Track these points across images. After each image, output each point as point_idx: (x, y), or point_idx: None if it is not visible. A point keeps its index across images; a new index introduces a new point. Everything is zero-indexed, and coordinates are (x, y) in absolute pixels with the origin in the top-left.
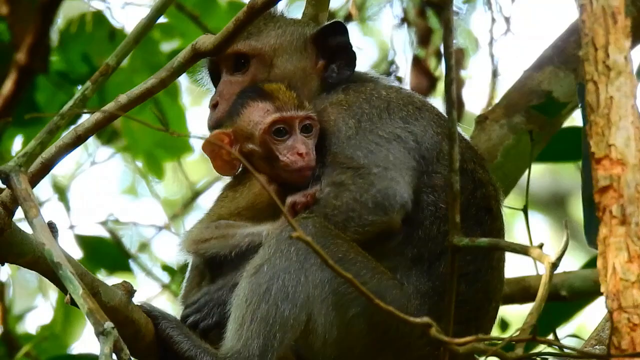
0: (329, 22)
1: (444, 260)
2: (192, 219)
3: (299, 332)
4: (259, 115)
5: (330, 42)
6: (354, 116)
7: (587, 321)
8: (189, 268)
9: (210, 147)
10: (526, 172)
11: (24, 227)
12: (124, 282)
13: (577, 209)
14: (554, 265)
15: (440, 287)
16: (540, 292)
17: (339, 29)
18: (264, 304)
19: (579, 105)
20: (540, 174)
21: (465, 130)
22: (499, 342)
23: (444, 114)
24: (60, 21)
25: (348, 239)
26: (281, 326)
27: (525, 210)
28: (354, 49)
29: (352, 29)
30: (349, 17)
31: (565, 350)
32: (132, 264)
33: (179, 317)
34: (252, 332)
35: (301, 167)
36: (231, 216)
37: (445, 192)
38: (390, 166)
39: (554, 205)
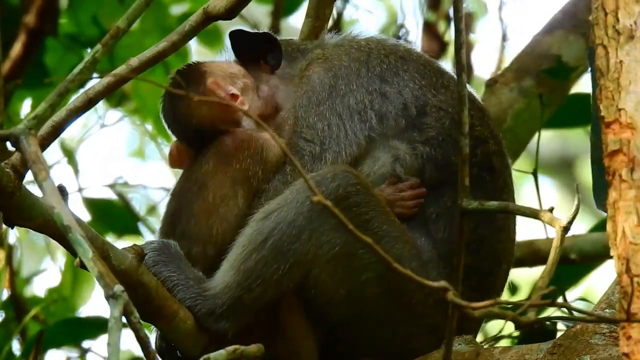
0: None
1: (446, 223)
2: None
3: (283, 291)
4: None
5: (246, 51)
6: (331, 70)
7: (595, 284)
8: None
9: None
10: (536, 136)
11: (34, 190)
12: (134, 245)
13: (585, 173)
14: (565, 229)
15: (447, 254)
16: (552, 256)
17: (237, 39)
18: (256, 254)
19: (589, 69)
20: (548, 138)
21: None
22: (515, 306)
23: (432, 63)
24: None
25: (382, 201)
26: (262, 282)
27: (535, 174)
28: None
29: None
30: None
31: (577, 313)
32: (141, 227)
33: None
34: (233, 280)
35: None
36: None
37: (440, 144)
38: (333, 146)
39: (563, 168)
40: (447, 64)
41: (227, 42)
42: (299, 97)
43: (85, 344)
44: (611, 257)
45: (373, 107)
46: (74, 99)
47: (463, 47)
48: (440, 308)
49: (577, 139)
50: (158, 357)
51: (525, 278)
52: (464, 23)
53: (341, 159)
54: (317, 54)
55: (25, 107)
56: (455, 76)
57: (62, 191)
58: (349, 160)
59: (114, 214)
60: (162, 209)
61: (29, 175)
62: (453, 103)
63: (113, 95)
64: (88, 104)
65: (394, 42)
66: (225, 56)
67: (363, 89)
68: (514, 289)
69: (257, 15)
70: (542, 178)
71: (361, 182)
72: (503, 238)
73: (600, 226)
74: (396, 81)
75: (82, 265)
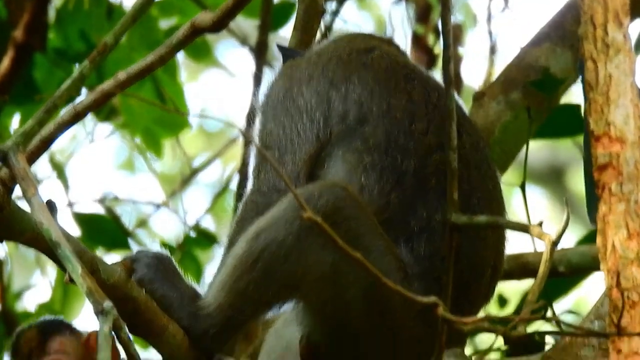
0: None
1: (426, 237)
2: (190, 195)
3: (272, 309)
4: None
5: None
6: (288, 75)
7: (584, 295)
8: None
9: None
10: (524, 148)
11: (23, 205)
12: (124, 259)
13: (575, 182)
14: (555, 243)
15: (429, 267)
16: (541, 270)
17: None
18: (247, 275)
19: (578, 80)
20: (538, 148)
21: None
22: (506, 320)
23: (400, 69)
24: None
25: (369, 214)
26: (253, 303)
27: (523, 187)
28: None
29: (349, 4)
30: None
31: (566, 327)
32: (130, 241)
33: None
34: (225, 301)
35: None
36: None
37: (386, 153)
38: (289, 148)
39: (552, 178)
40: (436, 75)
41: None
42: (261, 104)
43: None
44: (600, 269)
45: (319, 109)
46: (62, 113)
47: (451, 61)
48: (422, 319)
49: (567, 148)
50: None
51: (513, 291)
52: (452, 35)
53: (299, 160)
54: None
55: (14, 122)
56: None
57: (51, 206)
58: (307, 160)
59: (103, 229)
60: (152, 223)
61: (18, 190)
62: (411, 108)
63: (102, 109)
64: (75, 117)
65: (374, 44)
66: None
67: (312, 90)
68: (502, 302)
69: (245, 29)
70: (532, 188)
71: (349, 194)
72: (480, 247)
73: (590, 237)
74: (344, 87)
75: (72, 281)
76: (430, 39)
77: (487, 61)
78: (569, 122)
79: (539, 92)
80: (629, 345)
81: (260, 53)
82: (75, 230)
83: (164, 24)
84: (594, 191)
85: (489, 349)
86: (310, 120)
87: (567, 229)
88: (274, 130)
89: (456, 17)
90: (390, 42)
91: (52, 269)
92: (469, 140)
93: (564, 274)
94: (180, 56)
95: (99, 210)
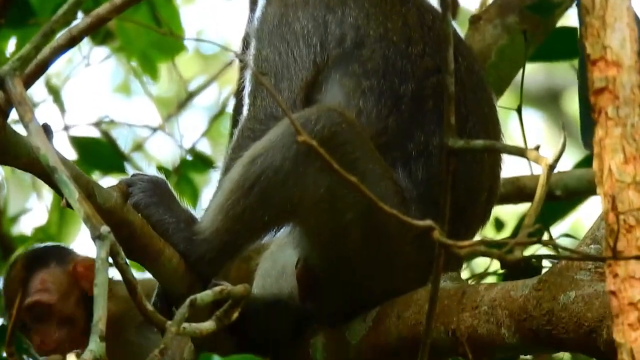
0: None
1: (423, 161)
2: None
3: (267, 234)
4: None
5: None
6: (283, 1)
7: (580, 219)
8: None
9: None
10: (520, 72)
11: (18, 129)
12: (119, 183)
13: (572, 106)
14: (551, 167)
15: (426, 191)
16: (538, 194)
17: None
18: (243, 200)
19: (574, 4)
20: (535, 71)
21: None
22: (502, 244)
23: None
24: None
25: (366, 138)
26: (249, 228)
27: (519, 111)
28: None
29: None
30: None
31: (562, 251)
32: (126, 165)
33: None
34: (222, 225)
35: None
36: None
37: (384, 76)
38: (286, 75)
39: (549, 101)
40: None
41: None
42: (256, 30)
43: None
44: (596, 193)
45: (316, 34)
46: (58, 37)
47: None
48: (419, 244)
49: (564, 71)
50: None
51: (510, 214)
52: None
53: (296, 86)
54: None
55: (10, 46)
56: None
57: (47, 131)
58: (303, 86)
59: (99, 152)
60: (148, 147)
61: (14, 114)
62: (407, 32)
63: (98, 32)
64: (71, 41)
65: None
66: None
67: (309, 15)
68: (499, 226)
69: None
70: (529, 111)
71: (346, 119)
72: (476, 171)
73: (586, 161)
74: (340, 10)
75: (69, 205)
76: None
77: None
78: (566, 46)
79: (536, 16)
80: (625, 269)
81: None
82: (71, 154)
83: None
84: (588, 116)
85: (485, 273)
86: (307, 46)
87: (564, 153)
88: (270, 57)
89: None
90: None
91: (48, 193)
92: (464, 64)
93: (560, 197)
94: None
95: (95, 133)
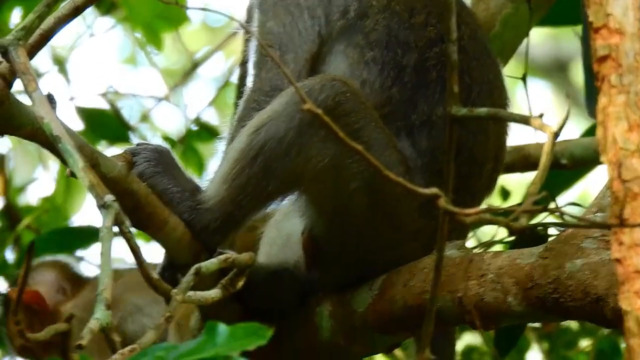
0: None
1: (427, 130)
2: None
3: (271, 204)
4: None
5: None
6: None
7: (587, 188)
8: None
9: None
10: (525, 41)
11: (22, 99)
12: (124, 153)
13: (578, 74)
14: (556, 134)
15: (430, 160)
16: (543, 161)
17: None
18: (248, 169)
19: None
20: (541, 40)
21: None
22: (507, 212)
23: None
24: None
25: (370, 108)
26: (253, 198)
27: (524, 79)
28: None
29: None
30: None
31: (569, 219)
32: (132, 135)
33: None
34: (226, 195)
35: None
36: None
37: (387, 47)
38: (291, 47)
39: (555, 70)
40: None
41: None
42: (260, 2)
43: (78, 253)
44: (602, 162)
45: (320, 5)
46: (62, 6)
47: None
48: (424, 212)
49: (570, 40)
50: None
51: (516, 183)
52: None
53: (301, 59)
54: None
55: (15, 17)
56: None
57: (51, 100)
58: (309, 58)
59: (105, 123)
60: (153, 117)
61: (18, 84)
62: (410, 1)
63: (102, 3)
64: (75, 11)
65: None
66: None
67: None
68: (505, 194)
69: None
70: (535, 80)
71: (350, 89)
72: (481, 139)
73: (593, 130)
74: None
75: (73, 175)
76: None
77: None
78: (571, 11)
79: None
80: (630, 236)
81: None
82: (77, 124)
83: None
84: (592, 85)
85: (492, 241)
86: (312, 17)
87: (571, 122)
88: (275, 29)
89: None
90: None
91: (54, 163)
92: (467, 31)
93: (566, 166)
94: None
95: (101, 104)
